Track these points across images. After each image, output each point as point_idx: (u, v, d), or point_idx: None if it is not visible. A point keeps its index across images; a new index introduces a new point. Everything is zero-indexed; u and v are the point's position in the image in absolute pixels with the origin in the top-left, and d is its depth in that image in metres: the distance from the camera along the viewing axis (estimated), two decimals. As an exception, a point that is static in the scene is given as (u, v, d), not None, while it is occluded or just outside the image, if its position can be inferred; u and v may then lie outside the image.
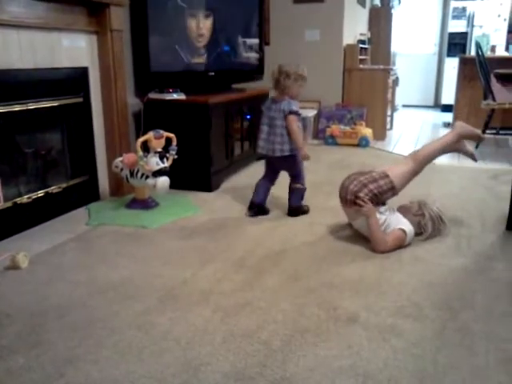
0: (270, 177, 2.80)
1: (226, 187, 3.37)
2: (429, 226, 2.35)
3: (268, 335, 1.56)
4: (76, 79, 2.80)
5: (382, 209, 2.33)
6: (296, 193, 2.75)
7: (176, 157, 2.85)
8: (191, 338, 1.55)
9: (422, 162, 2.46)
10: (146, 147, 2.76)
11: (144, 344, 1.51)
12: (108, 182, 3.11)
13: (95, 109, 2.94)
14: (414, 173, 2.44)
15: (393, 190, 2.34)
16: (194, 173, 3.25)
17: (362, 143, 4.78)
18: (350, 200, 2.31)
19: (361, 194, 2.27)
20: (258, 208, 2.75)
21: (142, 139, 2.73)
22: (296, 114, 2.57)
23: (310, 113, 5.06)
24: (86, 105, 2.88)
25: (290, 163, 2.69)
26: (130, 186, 2.92)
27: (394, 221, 2.29)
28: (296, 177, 2.74)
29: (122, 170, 2.83)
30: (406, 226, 2.27)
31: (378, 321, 1.64)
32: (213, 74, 3.64)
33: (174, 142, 2.85)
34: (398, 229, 2.25)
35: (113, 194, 3.12)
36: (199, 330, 1.59)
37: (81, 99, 2.83)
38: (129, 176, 2.80)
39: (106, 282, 1.95)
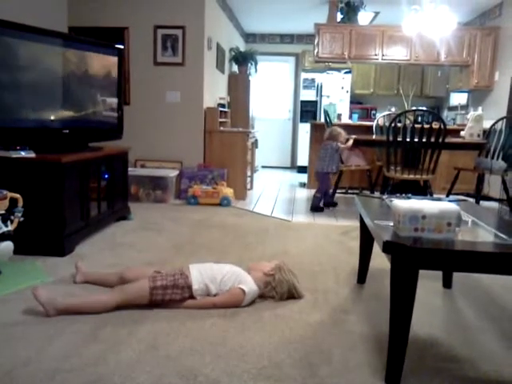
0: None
1: (81, 251, 3.13)
2: (282, 287, 2.35)
3: (121, 414, 1.41)
4: None
5: (197, 280, 2.28)
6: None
7: (22, 219, 2.60)
8: (30, 428, 1.35)
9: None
10: (-15, 209, 2.49)
11: None
12: None
13: None
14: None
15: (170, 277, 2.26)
16: (45, 236, 2.99)
17: (224, 203, 4.86)
18: None
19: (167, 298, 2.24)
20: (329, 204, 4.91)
21: (-20, 200, 2.46)
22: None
23: (172, 173, 5.04)
24: None
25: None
26: (-34, 254, 2.58)
27: (230, 277, 2.30)
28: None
29: (-45, 235, 2.49)
30: (248, 286, 2.27)
31: (239, 386, 1.59)
32: (67, 131, 3.46)
33: (20, 203, 2.61)
34: (237, 287, 2.26)
35: None
36: (40, 418, 1.39)
37: None
38: (-37, 242, 2.48)
39: None
